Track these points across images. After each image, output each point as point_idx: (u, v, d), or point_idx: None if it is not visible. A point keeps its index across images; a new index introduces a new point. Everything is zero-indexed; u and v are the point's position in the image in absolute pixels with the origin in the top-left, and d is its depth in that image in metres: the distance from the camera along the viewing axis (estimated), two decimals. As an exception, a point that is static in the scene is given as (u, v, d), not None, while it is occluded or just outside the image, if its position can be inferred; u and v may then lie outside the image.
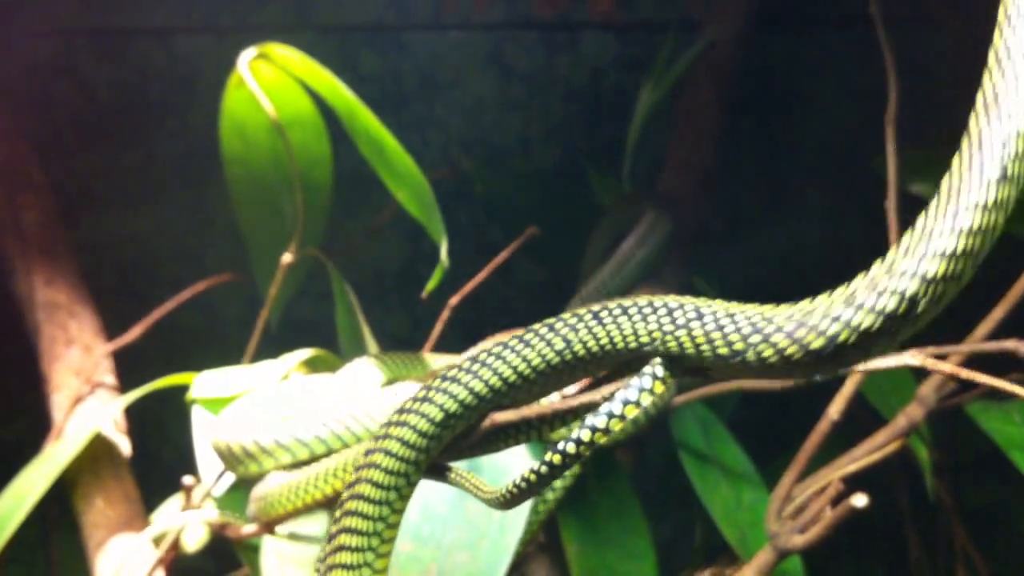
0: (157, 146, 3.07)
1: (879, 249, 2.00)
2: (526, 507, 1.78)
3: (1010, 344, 1.95)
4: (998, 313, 2.02)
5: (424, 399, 1.29)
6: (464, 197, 3.08)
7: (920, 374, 2.10)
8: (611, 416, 1.16)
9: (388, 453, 1.29)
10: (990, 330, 2.02)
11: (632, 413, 1.16)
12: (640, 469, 2.33)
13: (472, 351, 2.08)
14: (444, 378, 1.29)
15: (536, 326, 1.27)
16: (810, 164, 3.01)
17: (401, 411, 1.30)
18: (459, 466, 1.36)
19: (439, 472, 1.35)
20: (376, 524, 1.29)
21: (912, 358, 1.52)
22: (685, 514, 2.41)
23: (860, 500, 1.58)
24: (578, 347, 1.23)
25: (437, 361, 2.17)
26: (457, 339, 2.25)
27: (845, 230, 2.95)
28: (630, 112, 2.94)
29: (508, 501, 1.24)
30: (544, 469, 1.18)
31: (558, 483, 2.00)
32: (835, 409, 1.96)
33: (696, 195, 2.91)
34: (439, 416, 1.28)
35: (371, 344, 2.30)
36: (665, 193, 2.91)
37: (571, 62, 3.09)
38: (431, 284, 2.16)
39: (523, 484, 1.21)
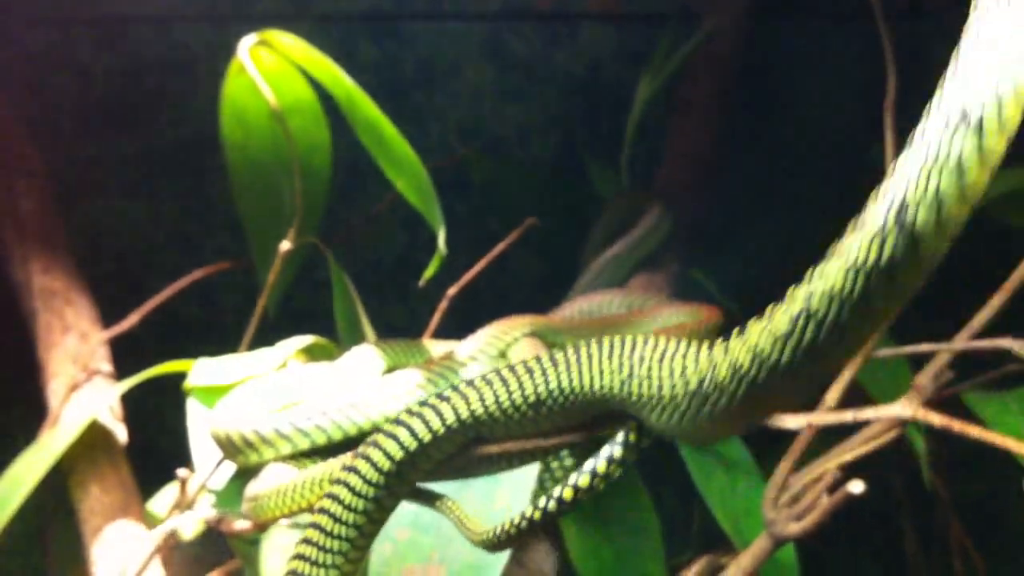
0: (155, 134, 3.06)
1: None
2: (527, 495, 1.78)
3: (1005, 342, 1.95)
4: (995, 303, 2.03)
5: (391, 432, 1.29)
6: (462, 186, 3.08)
7: (917, 363, 2.11)
8: (594, 475, 1.18)
9: (347, 486, 1.29)
10: (988, 320, 2.02)
11: (617, 473, 1.19)
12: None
13: (470, 341, 2.09)
14: (424, 404, 1.29)
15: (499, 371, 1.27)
16: (809, 156, 3.01)
17: (367, 443, 1.30)
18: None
19: (426, 498, 1.35)
20: (335, 557, 1.30)
21: (903, 409, 1.49)
22: (683, 501, 2.42)
23: (857, 487, 1.58)
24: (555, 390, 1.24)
25: (437, 348, 2.16)
26: (454, 328, 2.25)
27: (844, 221, 2.96)
28: (629, 103, 2.95)
29: (494, 544, 1.25)
30: (524, 524, 1.21)
31: (557, 472, 2.00)
32: (832, 397, 1.96)
33: (694, 187, 2.91)
34: (398, 454, 1.28)
35: (369, 332, 2.30)
36: (663, 185, 2.91)
37: (570, 53, 3.09)
38: (428, 272, 2.16)
39: (503, 535, 1.23)
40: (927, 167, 0.95)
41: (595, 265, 2.71)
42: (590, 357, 1.22)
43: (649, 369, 1.15)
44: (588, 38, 3.09)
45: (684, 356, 1.13)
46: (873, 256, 0.97)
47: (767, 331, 1.03)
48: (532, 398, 1.23)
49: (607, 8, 3.08)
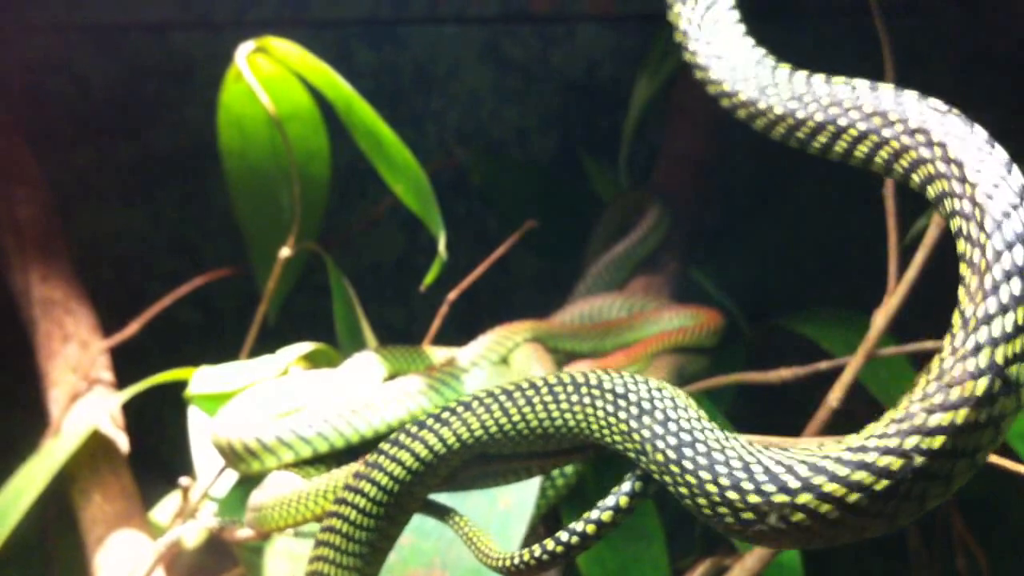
0: (153, 141, 3.06)
1: (877, 239, 2.01)
2: (531, 498, 1.78)
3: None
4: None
5: (396, 448, 1.27)
6: (462, 189, 3.08)
7: (918, 361, 2.10)
8: (617, 511, 1.15)
9: (356, 508, 1.28)
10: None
11: (638, 504, 1.16)
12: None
13: (471, 347, 2.09)
14: (436, 417, 1.27)
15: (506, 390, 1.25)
16: (806, 155, 3.01)
17: (368, 466, 1.29)
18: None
19: (437, 512, 1.34)
20: (351, 574, 1.29)
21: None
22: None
23: (861, 488, 1.58)
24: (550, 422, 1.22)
25: (438, 354, 2.16)
26: (454, 329, 2.25)
27: (842, 220, 2.96)
28: (626, 104, 2.94)
29: (509, 571, 1.22)
30: (546, 557, 1.18)
31: (558, 480, 1.99)
32: (834, 397, 1.96)
33: (692, 186, 2.91)
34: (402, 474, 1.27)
35: (370, 338, 2.29)
36: (661, 185, 2.91)
37: (567, 54, 3.09)
38: (429, 278, 2.16)
39: (521, 566, 1.20)
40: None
41: (594, 269, 2.71)
42: (595, 406, 1.17)
43: (655, 447, 1.10)
44: (585, 39, 3.09)
45: (703, 450, 1.07)
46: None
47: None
48: (540, 430, 1.22)
49: (603, 9, 3.08)
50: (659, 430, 1.12)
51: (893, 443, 0.99)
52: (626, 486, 1.16)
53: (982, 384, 0.97)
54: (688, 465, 1.08)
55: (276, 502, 1.68)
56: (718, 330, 2.29)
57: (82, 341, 2.51)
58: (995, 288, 0.99)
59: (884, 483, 0.99)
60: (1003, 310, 0.98)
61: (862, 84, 1.16)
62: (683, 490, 1.08)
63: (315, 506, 1.62)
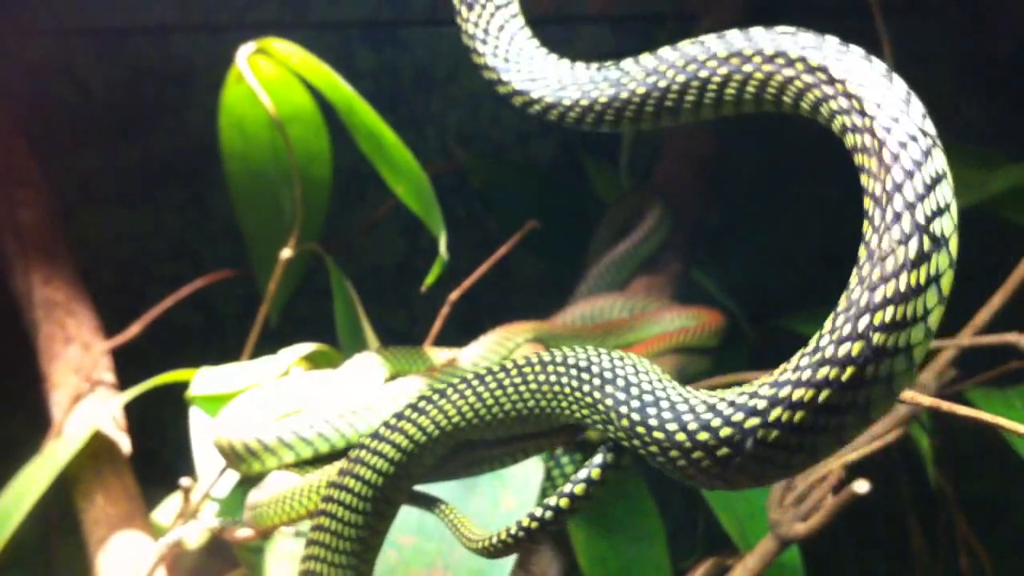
0: (154, 143, 3.06)
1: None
2: (532, 500, 1.78)
3: (1011, 337, 1.95)
4: (997, 301, 2.03)
5: (383, 437, 1.28)
6: (462, 191, 3.08)
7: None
8: (590, 483, 1.15)
9: (343, 504, 1.29)
10: (989, 318, 2.02)
11: (613, 477, 1.16)
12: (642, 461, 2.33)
13: (472, 348, 2.09)
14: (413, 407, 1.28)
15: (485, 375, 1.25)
16: (808, 155, 3.01)
17: (352, 461, 1.29)
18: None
19: (425, 502, 1.34)
20: (345, 572, 1.30)
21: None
22: (688, 505, 2.41)
23: (862, 486, 1.59)
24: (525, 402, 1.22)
25: (439, 355, 2.16)
26: (454, 332, 2.25)
27: (842, 220, 2.95)
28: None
29: (491, 552, 1.23)
30: (522, 534, 1.18)
31: (558, 480, 1.99)
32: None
33: (694, 186, 2.91)
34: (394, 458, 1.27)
35: (371, 339, 2.29)
36: (663, 185, 2.91)
37: (567, 55, 3.08)
38: (430, 278, 2.16)
39: (499, 544, 1.21)
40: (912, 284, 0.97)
41: (596, 269, 2.71)
42: (560, 383, 1.17)
43: (620, 413, 1.10)
44: (585, 40, 3.09)
45: (666, 406, 1.08)
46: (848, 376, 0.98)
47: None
48: (514, 413, 1.22)
49: (604, 10, 3.08)
50: (622, 396, 1.11)
51: (846, 330, 0.98)
52: (598, 458, 1.15)
53: (912, 246, 0.96)
54: (654, 423, 1.08)
55: (272, 499, 1.68)
56: (720, 330, 2.29)
57: (84, 343, 2.52)
58: (895, 157, 0.99)
59: (850, 370, 0.97)
60: (909, 174, 0.98)
61: (708, 37, 1.17)
62: (653, 448, 1.08)
63: (310, 502, 1.62)
